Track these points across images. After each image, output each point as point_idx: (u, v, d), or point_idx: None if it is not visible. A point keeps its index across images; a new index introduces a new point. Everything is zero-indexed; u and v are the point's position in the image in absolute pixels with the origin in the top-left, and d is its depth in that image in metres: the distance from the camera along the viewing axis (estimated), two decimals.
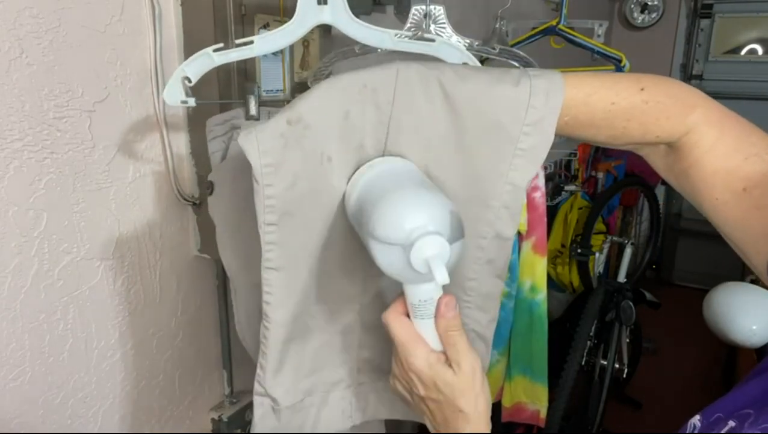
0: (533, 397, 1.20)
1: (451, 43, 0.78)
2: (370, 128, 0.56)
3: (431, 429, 0.56)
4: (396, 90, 0.54)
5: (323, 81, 0.56)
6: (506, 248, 0.64)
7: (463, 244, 0.51)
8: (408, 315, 0.55)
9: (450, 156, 0.58)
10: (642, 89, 0.55)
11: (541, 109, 0.55)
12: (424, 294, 0.52)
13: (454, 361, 0.52)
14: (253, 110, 0.77)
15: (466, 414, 0.52)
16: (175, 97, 0.70)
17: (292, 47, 1.00)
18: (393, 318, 0.54)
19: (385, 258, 0.49)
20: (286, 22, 0.90)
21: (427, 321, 0.53)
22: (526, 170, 0.58)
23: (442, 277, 0.47)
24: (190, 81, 0.70)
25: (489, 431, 0.53)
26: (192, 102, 0.71)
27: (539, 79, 0.55)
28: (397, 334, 0.54)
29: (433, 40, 0.76)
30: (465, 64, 0.77)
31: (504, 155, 0.57)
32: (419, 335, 0.54)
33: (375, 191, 0.54)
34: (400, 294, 0.55)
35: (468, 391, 0.52)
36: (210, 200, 0.78)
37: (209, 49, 0.70)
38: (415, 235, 0.47)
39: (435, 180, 0.58)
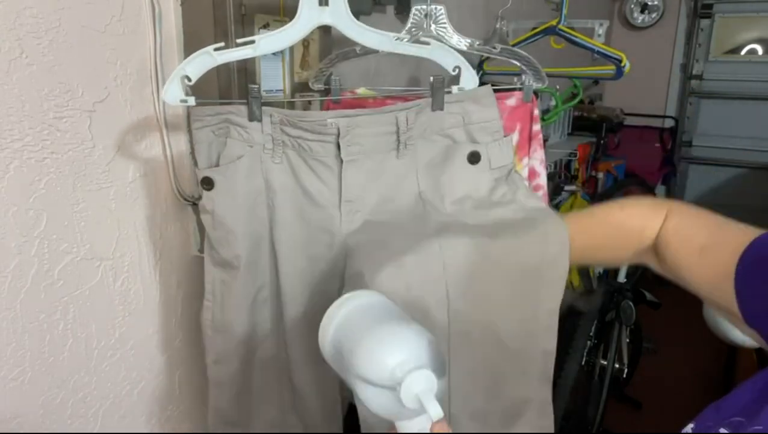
0: None
1: (444, 47, 0.79)
2: None
3: None
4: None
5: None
6: (551, 361, 0.79)
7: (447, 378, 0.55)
8: None
9: (503, 307, 0.73)
10: (621, 208, 0.72)
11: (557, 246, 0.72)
12: (416, 427, 0.51)
13: None
14: (256, 112, 0.76)
15: None
16: (175, 96, 0.71)
17: (292, 47, 1.00)
18: None
19: (376, 399, 0.49)
20: (286, 22, 0.90)
21: None
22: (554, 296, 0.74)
23: (436, 411, 0.46)
24: (189, 80, 0.70)
25: None
26: (192, 101, 0.72)
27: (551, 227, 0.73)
28: None
29: (428, 44, 0.77)
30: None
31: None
32: None
33: (351, 332, 0.53)
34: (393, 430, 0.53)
35: None
36: (207, 195, 0.78)
37: (210, 48, 0.70)
38: (400, 373, 0.47)
39: (492, 334, 0.73)
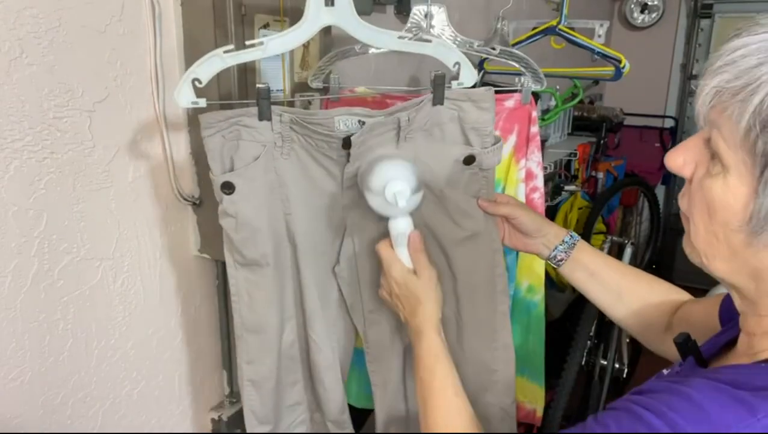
0: (530, 397, 1.20)
1: (446, 43, 0.82)
2: None
3: (402, 319, 0.82)
4: None
5: None
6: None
7: (422, 194, 0.78)
8: (392, 247, 0.82)
9: None
10: None
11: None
12: (400, 228, 0.80)
13: (418, 271, 0.80)
14: (266, 112, 0.77)
15: (423, 303, 0.78)
16: (186, 99, 0.72)
17: None
18: (382, 247, 0.82)
19: (375, 200, 0.77)
20: (285, 22, 0.90)
21: (403, 249, 0.81)
22: None
23: (402, 203, 0.75)
24: (200, 83, 0.71)
25: (439, 314, 0.79)
26: (203, 103, 0.72)
27: None
28: (384, 256, 0.82)
29: (429, 41, 0.81)
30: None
31: None
32: (398, 257, 0.81)
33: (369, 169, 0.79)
34: (387, 235, 0.81)
35: (425, 289, 0.79)
36: (229, 199, 0.78)
37: (220, 51, 0.70)
38: (386, 179, 0.75)
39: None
